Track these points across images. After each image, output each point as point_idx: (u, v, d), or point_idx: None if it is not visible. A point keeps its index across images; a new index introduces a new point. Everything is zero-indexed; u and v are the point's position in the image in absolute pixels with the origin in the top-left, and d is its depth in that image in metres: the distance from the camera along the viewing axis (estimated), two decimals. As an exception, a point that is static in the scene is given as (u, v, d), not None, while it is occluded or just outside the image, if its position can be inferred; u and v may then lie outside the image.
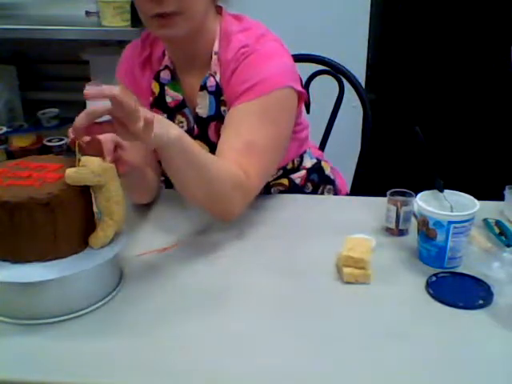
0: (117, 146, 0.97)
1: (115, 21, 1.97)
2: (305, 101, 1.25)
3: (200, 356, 0.82)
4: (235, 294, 0.96)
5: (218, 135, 1.20)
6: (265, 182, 1.18)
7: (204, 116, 1.22)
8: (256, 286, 0.98)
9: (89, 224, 0.93)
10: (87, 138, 0.91)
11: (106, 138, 0.94)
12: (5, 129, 2.23)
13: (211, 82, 1.19)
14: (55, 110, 2.36)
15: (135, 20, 1.96)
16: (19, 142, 2.18)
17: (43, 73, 2.49)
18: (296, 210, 1.23)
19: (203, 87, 1.20)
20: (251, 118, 1.11)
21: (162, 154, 0.95)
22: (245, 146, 1.09)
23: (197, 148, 0.99)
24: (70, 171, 0.88)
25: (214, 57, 1.18)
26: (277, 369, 0.79)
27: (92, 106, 0.85)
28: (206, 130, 1.22)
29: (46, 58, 2.44)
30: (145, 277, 1.00)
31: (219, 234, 1.14)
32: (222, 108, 1.19)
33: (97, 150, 0.93)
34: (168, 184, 1.37)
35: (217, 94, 1.19)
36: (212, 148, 1.22)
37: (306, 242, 1.12)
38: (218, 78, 1.18)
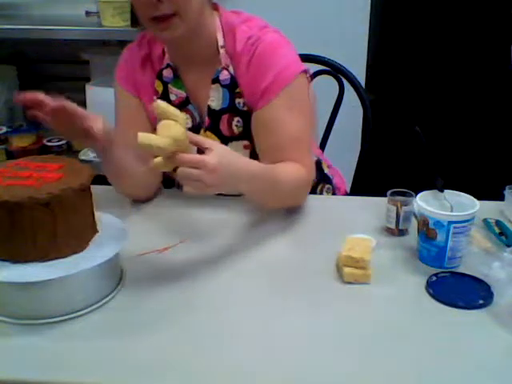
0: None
1: (115, 21, 1.97)
2: None
3: (200, 356, 0.81)
4: (235, 294, 0.96)
5: (230, 127, 1.23)
6: None
7: (217, 109, 1.23)
8: (256, 285, 0.98)
9: (89, 224, 0.93)
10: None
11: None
12: (5, 129, 2.23)
13: (224, 76, 1.20)
14: (55, 110, 2.35)
15: (135, 20, 1.96)
16: (19, 142, 2.18)
17: (43, 73, 2.49)
18: (296, 210, 1.23)
19: (215, 80, 1.21)
20: (284, 112, 1.16)
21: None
22: (291, 140, 1.17)
23: (268, 175, 1.08)
24: (157, 161, 0.90)
25: (222, 50, 1.19)
26: (276, 368, 0.79)
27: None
28: (218, 123, 1.24)
29: (46, 58, 2.44)
30: (145, 277, 1.00)
31: (219, 234, 1.14)
32: (237, 100, 1.21)
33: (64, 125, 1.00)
34: (167, 184, 1.38)
35: (231, 86, 1.20)
36: (223, 140, 1.23)
37: (306, 241, 1.12)
38: (231, 70, 1.20)
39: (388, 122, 2.56)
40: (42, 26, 2.03)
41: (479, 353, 0.82)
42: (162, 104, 0.90)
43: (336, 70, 1.59)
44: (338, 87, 1.60)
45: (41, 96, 0.99)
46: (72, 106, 1.00)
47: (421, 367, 0.80)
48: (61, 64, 2.44)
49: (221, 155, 0.94)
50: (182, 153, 0.90)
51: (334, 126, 1.64)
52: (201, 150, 0.96)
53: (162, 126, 0.90)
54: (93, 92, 2.04)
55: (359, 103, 1.58)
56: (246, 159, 1.07)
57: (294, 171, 1.15)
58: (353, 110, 1.71)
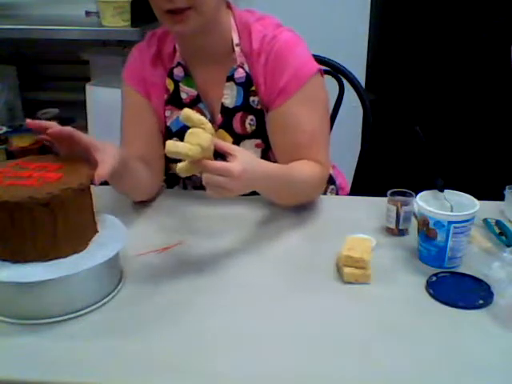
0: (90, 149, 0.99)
1: (115, 21, 1.97)
2: None
3: (200, 356, 0.81)
4: (235, 294, 0.96)
5: (243, 126, 1.24)
6: None
7: (230, 106, 1.23)
8: (256, 286, 0.98)
9: (89, 224, 0.93)
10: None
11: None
12: (5, 129, 2.23)
13: (240, 74, 1.21)
14: (55, 110, 2.36)
15: (135, 20, 1.96)
16: (19, 142, 2.18)
17: (43, 73, 2.49)
18: (296, 210, 1.23)
19: (230, 78, 1.21)
20: (303, 111, 1.18)
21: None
22: (310, 139, 1.19)
23: (283, 175, 1.11)
24: (181, 166, 0.91)
25: (237, 48, 1.20)
26: (276, 368, 0.79)
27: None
28: (231, 120, 1.24)
29: (46, 58, 2.44)
30: (145, 277, 1.00)
31: (219, 234, 1.14)
32: (252, 98, 1.22)
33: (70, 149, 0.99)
34: (170, 184, 1.38)
35: (246, 84, 1.21)
36: (235, 138, 1.24)
37: (306, 241, 1.12)
38: (246, 68, 1.20)
39: (388, 121, 2.56)
40: (42, 26, 2.03)
41: (479, 353, 0.82)
42: (187, 112, 0.92)
43: (336, 70, 1.58)
44: (338, 87, 1.60)
45: (47, 123, 0.98)
46: (79, 135, 0.98)
47: (421, 367, 0.80)
48: (61, 64, 2.44)
49: (245, 162, 0.96)
50: (207, 159, 0.92)
51: (334, 126, 1.64)
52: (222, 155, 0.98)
53: (190, 133, 0.91)
54: (93, 92, 2.04)
55: (359, 103, 1.58)
56: (265, 162, 1.09)
57: (308, 169, 1.17)
58: (353, 110, 1.71)
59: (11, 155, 2.14)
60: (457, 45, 2.65)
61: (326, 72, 1.59)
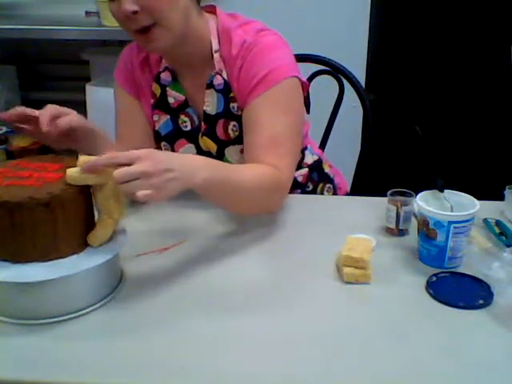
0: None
1: (115, 21, 1.97)
2: (305, 96, 1.25)
3: (200, 356, 0.81)
4: (235, 294, 0.96)
5: (226, 132, 1.22)
6: (295, 168, 1.22)
7: (212, 113, 1.22)
8: (256, 286, 0.98)
9: (89, 224, 0.93)
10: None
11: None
12: (5, 129, 2.23)
13: (218, 80, 1.19)
14: (55, 110, 2.35)
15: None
16: (19, 142, 2.18)
17: (43, 73, 2.49)
18: (296, 210, 1.23)
19: (210, 85, 1.20)
20: (267, 112, 1.14)
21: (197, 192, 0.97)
22: (269, 140, 1.13)
23: (230, 173, 1.02)
24: (70, 171, 0.88)
25: (216, 55, 1.18)
26: (276, 368, 0.79)
27: None
28: (214, 127, 1.23)
29: (46, 58, 2.45)
30: (145, 277, 1.00)
31: (219, 234, 1.14)
32: (231, 104, 1.20)
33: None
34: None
35: (225, 91, 1.20)
36: (219, 144, 1.23)
37: (306, 241, 1.12)
38: (224, 75, 1.19)
39: (388, 121, 2.56)
40: (42, 25, 2.04)
41: (479, 353, 0.82)
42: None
43: (336, 70, 1.59)
44: (337, 87, 1.60)
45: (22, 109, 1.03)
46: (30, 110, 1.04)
47: (421, 367, 0.79)
48: (61, 64, 2.44)
49: (151, 150, 0.89)
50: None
51: (334, 126, 1.64)
52: None
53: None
54: (93, 92, 2.04)
55: (359, 103, 1.58)
56: (199, 156, 1.02)
57: (262, 172, 1.09)
58: (353, 110, 1.72)
59: (11, 155, 2.14)
60: (457, 45, 2.65)
61: (325, 72, 1.60)
